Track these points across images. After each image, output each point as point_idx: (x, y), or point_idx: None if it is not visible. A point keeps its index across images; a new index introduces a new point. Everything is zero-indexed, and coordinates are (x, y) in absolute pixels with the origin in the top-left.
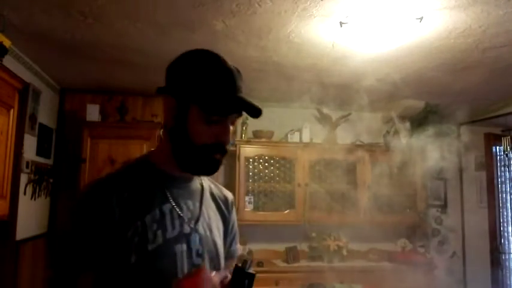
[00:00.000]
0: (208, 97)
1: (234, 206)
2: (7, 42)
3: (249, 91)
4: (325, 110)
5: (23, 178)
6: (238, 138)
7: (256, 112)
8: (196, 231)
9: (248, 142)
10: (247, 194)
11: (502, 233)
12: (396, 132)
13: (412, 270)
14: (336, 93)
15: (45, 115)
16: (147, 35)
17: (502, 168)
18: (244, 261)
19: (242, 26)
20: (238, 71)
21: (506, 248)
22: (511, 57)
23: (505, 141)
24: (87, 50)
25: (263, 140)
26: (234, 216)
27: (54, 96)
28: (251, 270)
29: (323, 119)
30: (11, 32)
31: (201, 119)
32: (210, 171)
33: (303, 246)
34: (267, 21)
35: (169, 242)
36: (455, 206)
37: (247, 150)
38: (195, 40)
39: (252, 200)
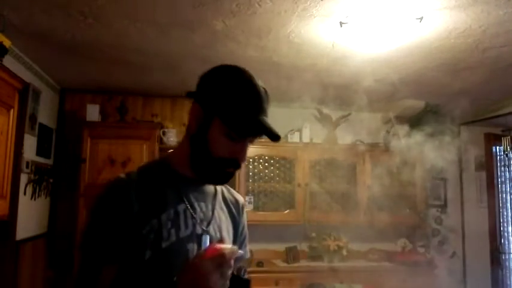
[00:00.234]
0: (233, 116)
1: (244, 209)
2: (7, 42)
3: None
4: (325, 110)
5: (23, 178)
6: None
7: (274, 137)
8: (208, 232)
9: None
10: (247, 194)
11: (502, 233)
12: (396, 132)
13: (412, 270)
14: (336, 93)
15: (45, 115)
16: (147, 35)
17: (502, 168)
18: (239, 269)
19: (242, 26)
20: (266, 93)
21: (506, 248)
22: (511, 57)
23: (505, 141)
24: (87, 50)
25: (263, 140)
26: (244, 219)
27: (54, 96)
28: (246, 277)
29: (323, 119)
30: (11, 32)
31: (222, 133)
32: (220, 182)
33: (303, 246)
34: (267, 21)
35: (182, 241)
36: (455, 206)
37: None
38: (195, 40)
39: (252, 200)
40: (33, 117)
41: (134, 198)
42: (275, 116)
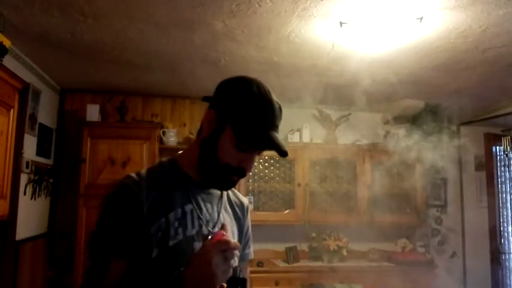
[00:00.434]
0: (245, 128)
1: (248, 211)
2: (7, 42)
3: None
4: (325, 110)
5: (23, 178)
6: None
7: (282, 154)
8: (214, 233)
9: None
10: (247, 194)
11: (502, 233)
12: (396, 132)
13: (412, 270)
14: (336, 93)
15: (45, 115)
16: (147, 35)
17: (502, 168)
18: (234, 269)
19: (242, 26)
20: (280, 109)
21: (506, 248)
22: (510, 57)
23: (505, 141)
24: (87, 50)
25: None
26: (248, 221)
27: (54, 96)
28: (241, 276)
29: (323, 119)
30: (11, 32)
31: (232, 141)
32: (223, 188)
33: (303, 246)
34: (267, 21)
35: (189, 239)
36: (455, 206)
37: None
38: (195, 40)
39: (252, 200)
40: (33, 117)
41: (144, 197)
42: None
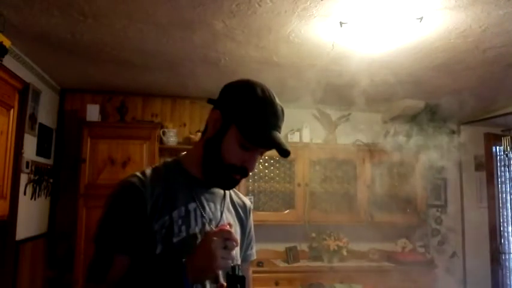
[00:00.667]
0: (250, 126)
1: (251, 213)
2: (7, 42)
3: None
4: (325, 110)
5: (23, 178)
6: None
7: (284, 153)
8: None
9: None
10: (247, 194)
11: (502, 233)
12: (396, 132)
13: (412, 270)
14: (336, 93)
15: (45, 115)
16: (147, 35)
17: (502, 168)
18: (233, 267)
19: (242, 26)
20: (283, 111)
21: (506, 248)
22: (510, 57)
23: (505, 141)
24: (87, 50)
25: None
26: (251, 222)
27: (54, 96)
28: (241, 273)
29: (323, 119)
30: (11, 32)
31: (236, 140)
32: (225, 187)
33: (303, 246)
34: (267, 21)
35: (192, 237)
36: (455, 206)
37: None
38: (195, 40)
39: (252, 200)
40: (33, 117)
41: (148, 195)
42: None
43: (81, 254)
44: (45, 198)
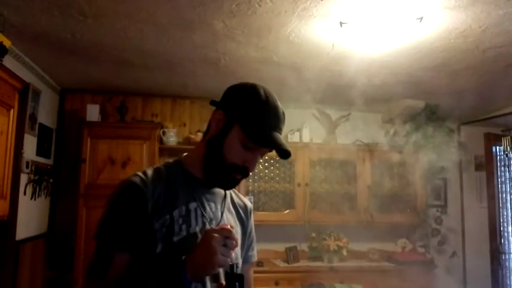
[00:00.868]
0: (253, 126)
1: (252, 214)
2: (7, 42)
3: None
4: (325, 110)
5: (23, 178)
6: None
7: (284, 153)
8: None
9: None
10: (247, 194)
11: (502, 233)
12: (396, 132)
13: (412, 270)
14: (336, 93)
15: (45, 115)
16: (147, 35)
17: (502, 168)
18: (231, 266)
19: (242, 26)
20: (284, 115)
21: (506, 248)
22: (511, 57)
23: (505, 141)
24: (87, 50)
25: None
26: (251, 223)
27: (54, 96)
28: (239, 272)
29: (323, 119)
30: (11, 32)
31: (239, 140)
32: (227, 187)
33: (303, 246)
34: (267, 21)
35: (192, 236)
36: (455, 206)
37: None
38: (195, 40)
39: (252, 200)
40: (33, 117)
41: (149, 195)
42: None
43: (81, 254)
44: (45, 198)
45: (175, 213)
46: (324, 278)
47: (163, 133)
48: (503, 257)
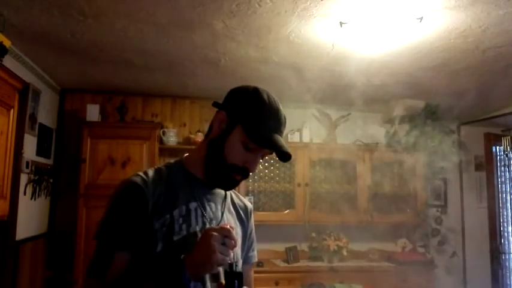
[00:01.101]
0: (255, 127)
1: (252, 214)
2: (7, 42)
3: None
4: (325, 110)
5: (23, 178)
6: None
7: (284, 155)
8: None
9: None
10: (247, 194)
11: (502, 233)
12: (396, 133)
13: (412, 270)
14: (336, 93)
15: (45, 115)
16: (147, 35)
17: (502, 168)
18: (230, 265)
19: (242, 26)
20: (285, 119)
21: (506, 248)
22: (511, 57)
23: (505, 141)
24: (87, 50)
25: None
26: (252, 223)
27: (54, 96)
28: (238, 270)
29: (323, 119)
30: (11, 32)
31: (240, 141)
32: (227, 187)
33: (303, 246)
34: (267, 21)
35: (192, 235)
36: (455, 206)
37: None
38: (195, 40)
39: (252, 200)
40: (33, 117)
41: (150, 194)
42: None
43: (81, 254)
44: (45, 198)
45: (176, 212)
46: (324, 278)
47: (163, 133)
48: (503, 257)
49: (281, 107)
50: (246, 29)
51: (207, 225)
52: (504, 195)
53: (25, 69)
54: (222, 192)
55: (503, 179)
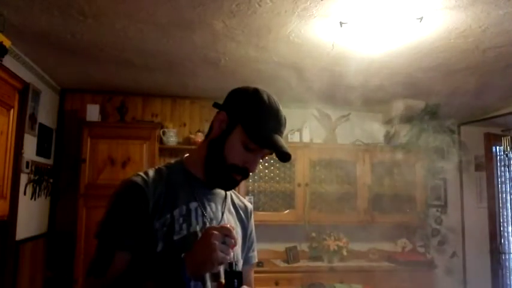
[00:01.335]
0: (255, 127)
1: (252, 215)
2: (7, 42)
3: None
4: (325, 110)
5: (23, 178)
6: None
7: (284, 155)
8: None
9: None
10: (247, 194)
11: (502, 233)
12: (396, 133)
13: (412, 270)
14: (336, 93)
15: (45, 115)
16: (147, 35)
17: (502, 168)
18: (230, 264)
19: (242, 26)
20: (285, 120)
21: (506, 248)
22: (511, 57)
23: (505, 141)
24: (87, 50)
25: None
26: (252, 224)
27: (54, 96)
28: (237, 269)
29: (323, 119)
30: (11, 32)
31: (240, 141)
32: (226, 187)
33: (303, 246)
34: (267, 21)
35: (193, 235)
36: (455, 206)
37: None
38: (195, 40)
39: (252, 200)
40: (33, 117)
41: (150, 194)
42: None
43: (81, 254)
44: (45, 198)
45: (176, 212)
46: (324, 278)
47: (163, 133)
48: (503, 257)
49: (281, 108)
50: (246, 29)
51: (207, 225)
52: (504, 195)
53: (25, 69)
54: (222, 192)
55: (503, 179)
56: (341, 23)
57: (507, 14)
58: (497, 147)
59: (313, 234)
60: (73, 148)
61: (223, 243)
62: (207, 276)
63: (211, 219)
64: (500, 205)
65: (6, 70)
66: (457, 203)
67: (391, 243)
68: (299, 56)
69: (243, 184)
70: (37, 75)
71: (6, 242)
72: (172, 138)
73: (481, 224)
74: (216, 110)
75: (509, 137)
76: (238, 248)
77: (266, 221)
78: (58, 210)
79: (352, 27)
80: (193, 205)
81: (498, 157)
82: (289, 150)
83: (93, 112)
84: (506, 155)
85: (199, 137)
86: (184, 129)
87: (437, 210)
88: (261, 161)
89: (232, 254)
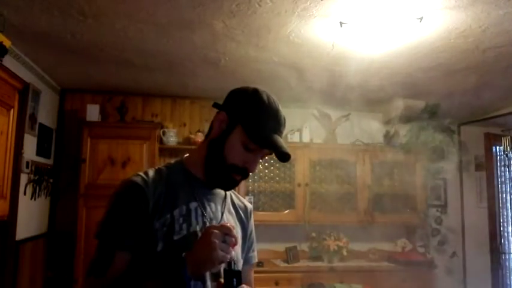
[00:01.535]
0: (255, 127)
1: (252, 215)
2: (7, 42)
3: None
4: (325, 110)
5: (23, 178)
6: None
7: (283, 155)
8: None
9: None
10: (247, 194)
11: (502, 233)
12: (396, 133)
13: (412, 270)
14: (336, 93)
15: (45, 115)
16: (147, 35)
17: (502, 168)
18: (229, 263)
19: (242, 26)
20: (285, 120)
21: (506, 248)
22: (511, 57)
23: (505, 141)
24: (87, 50)
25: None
26: (252, 224)
27: (54, 96)
28: (236, 268)
29: (323, 119)
30: (11, 32)
31: (240, 141)
32: (226, 187)
33: (303, 246)
34: (267, 21)
35: (193, 234)
36: (455, 206)
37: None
38: (195, 40)
39: (252, 200)
40: (33, 117)
41: (150, 194)
42: None
43: (81, 253)
44: (45, 198)
45: (176, 212)
46: (324, 278)
47: (163, 133)
48: (503, 257)
49: (281, 108)
50: (246, 29)
51: (207, 225)
52: (504, 195)
53: (25, 69)
54: (222, 192)
55: (503, 179)
56: (341, 23)
57: (507, 14)
58: (497, 147)
59: (313, 234)
60: (73, 148)
61: (224, 242)
62: (207, 275)
63: (211, 219)
64: (500, 205)
65: (6, 70)
66: (457, 203)
67: (391, 243)
68: (299, 56)
69: (243, 184)
70: (37, 75)
71: (6, 242)
72: (172, 138)
73: (481, 224)
74: (216, 110)
75: (509, 137)
76: (238, 248)
77: (266, 221)
78: (58, 210)
79: (352, 27)
80: (193, 205)
81: (498, 157)
82: (289, 150)
83: (93, 112)
84: (506, 155)
85: (199, 137)
86: (184, 129)
87: (437, 210)
88: (260, 161)
89: (232, 252)
